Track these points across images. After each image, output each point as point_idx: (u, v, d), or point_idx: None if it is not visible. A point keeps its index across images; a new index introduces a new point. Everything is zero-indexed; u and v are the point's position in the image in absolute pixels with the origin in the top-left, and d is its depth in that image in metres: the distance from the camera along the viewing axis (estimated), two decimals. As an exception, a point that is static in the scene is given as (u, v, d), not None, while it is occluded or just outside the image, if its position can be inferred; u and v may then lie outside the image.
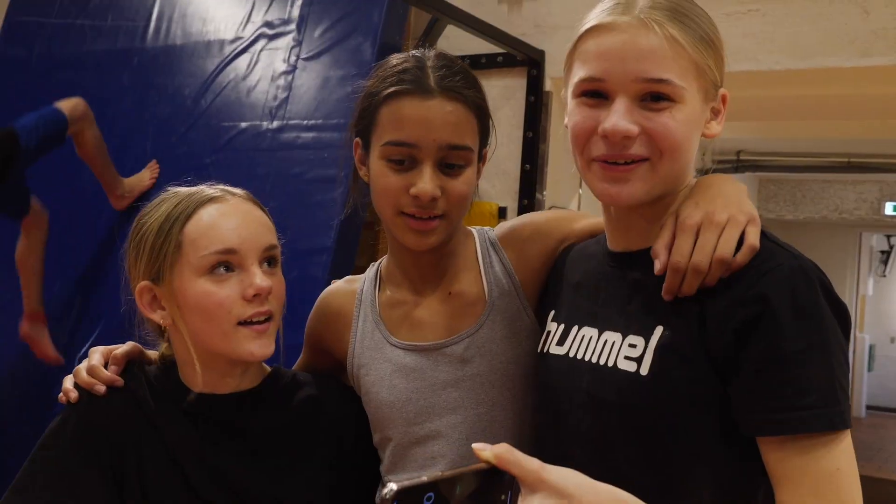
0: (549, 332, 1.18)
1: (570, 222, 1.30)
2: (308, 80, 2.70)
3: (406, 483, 0.74)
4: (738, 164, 6.58)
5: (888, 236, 11.70)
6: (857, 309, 9.10)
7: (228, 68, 2.86)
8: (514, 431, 1.25)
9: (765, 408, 0.92)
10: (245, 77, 2.81)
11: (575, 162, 1.08)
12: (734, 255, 0.97)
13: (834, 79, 3.04)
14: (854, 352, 9.17)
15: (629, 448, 0.97)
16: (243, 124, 2.75)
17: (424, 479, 0.75)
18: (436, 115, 1.17)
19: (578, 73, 1.02)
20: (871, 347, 11.51)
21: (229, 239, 1.18)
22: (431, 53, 1.24)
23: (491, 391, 1.24)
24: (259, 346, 1.18)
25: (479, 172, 1.28)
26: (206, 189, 1.24)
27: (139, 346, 1.30)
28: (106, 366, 1.25)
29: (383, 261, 1.37)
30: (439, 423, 1.24)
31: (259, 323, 1.18)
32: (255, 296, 1.17)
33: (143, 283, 1.21)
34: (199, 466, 1.21)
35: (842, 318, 0.96)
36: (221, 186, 1.26)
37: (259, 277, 1.17)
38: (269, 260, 1.22)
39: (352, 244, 2.49)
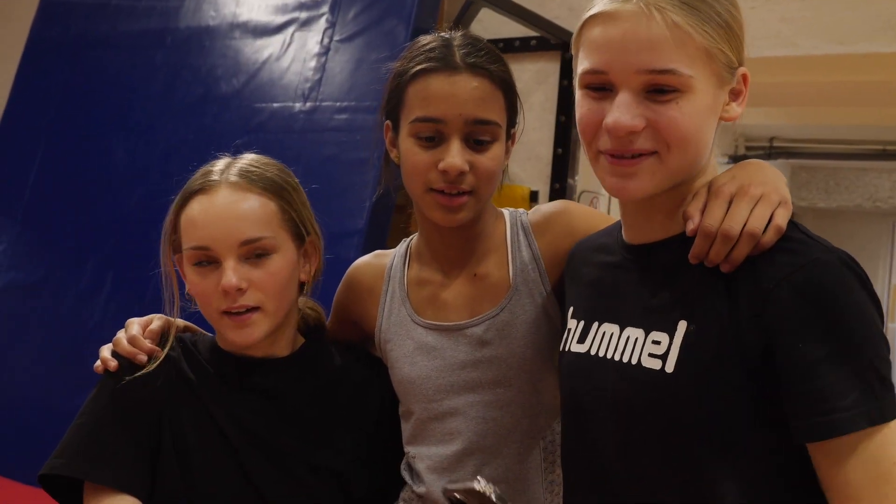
0: (569, 330, 1.17)
1: (600, 224, 1.28)
2: (341, 62, 2.70)
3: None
4: (770, 150, 6.50)
5: (922, 225, 11.56)
6: (889, 299, 8.99)
7: (261, 49, 2.87)
8: (530, 412, 1.27)
9: (810, 412, 0.89)
10: (278, 58, 2.81)
11: (587, 156, 1.06)
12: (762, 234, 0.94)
13: (873, 65, 3.00)
14: (885, 342, 9.06)
15: (655, 447, 0.95)
16: (276, 105, 2.76)
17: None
18: (462, 90, 1.19)
19: (583, 64, 0.99)
20: (903, 338, 11.41)
21: (202, 237, 1.21)
22: (458, 34, 1.26)
23: (508, 373, 1.26)
24: (239, 335, 1.22)
25: (507, 152, 1.29)
26: (213, 173, 1.26)
27: (169, 319, 1.34)
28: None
29: (414, 237, 1.39)
30: (457, 400, 1.27)
31: (238, 314, 1.21)
32: (225, 292, 1.20)
33: (176, 255, 1.28)
34: (238, 430, 1.25)
35: (879, 311, 0.93)
36: (235, 166, 1.28)
37: (227, 276, 1.19)
38: (255, 252, 1.22)
39: (383, 227, 2.50)
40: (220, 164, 1.29)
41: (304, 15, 2.82)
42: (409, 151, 1.22)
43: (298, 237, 1.28)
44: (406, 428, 1.34)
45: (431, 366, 1.28)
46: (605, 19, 0.96)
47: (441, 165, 1.19)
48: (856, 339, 0.89)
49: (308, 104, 2.70)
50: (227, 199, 1.22)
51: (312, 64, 2.74)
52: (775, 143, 6.49)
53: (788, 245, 0.94)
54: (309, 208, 1.32)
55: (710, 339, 0.94)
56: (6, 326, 3.02)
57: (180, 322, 1.35)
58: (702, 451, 0.95)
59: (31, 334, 2.96)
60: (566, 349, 1.16)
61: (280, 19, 2.86)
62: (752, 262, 0.94)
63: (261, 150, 2.70)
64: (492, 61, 1.22)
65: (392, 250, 1.43)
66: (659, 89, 0.95)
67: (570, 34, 3.45)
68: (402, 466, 1.35)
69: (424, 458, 1.29)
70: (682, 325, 0.97)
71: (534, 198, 3.20)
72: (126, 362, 1.25)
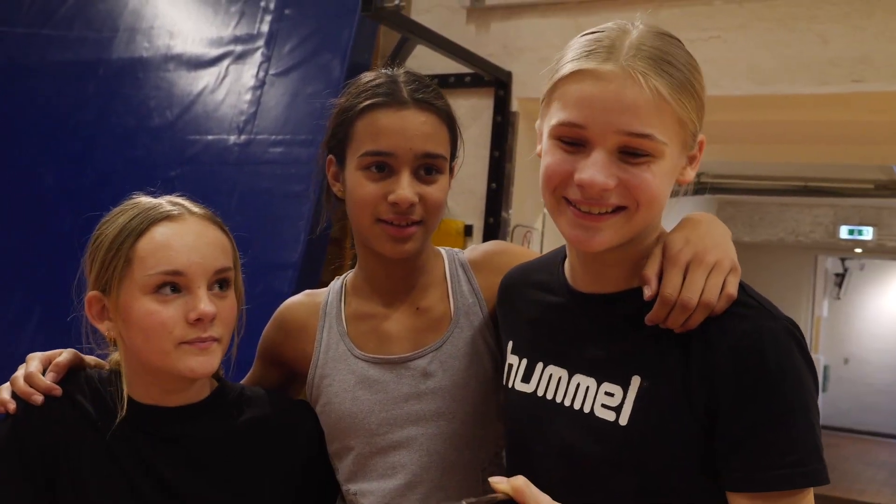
0: (510, 366, 1.18)
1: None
2: (277, 95, 2.71)
3: None
4: (698, 185, 6.65)
5: (843, 259, 11.93)
6: (812, 330, 9.24)
7: (195, 81, 2.86)
8: (472, 444, 1.27)
9: (749, 465, 0.93)
10: (213, 91, 2.81)
11: (544, 199, 1.06)
12: None
13: (792, 105, 3.10)
14: (809, 372, 9.31)
15: (603, 493, 0.98)
16: (210, 137, 2.75)
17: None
18: (411, 125, 1.22)
19: (558, 115, 0.99)
20: (826, 368, 11.70)
21: (177, 261, 1.16)
22: (401, 70, 1.29)
23: (452, 404, 1.26)
24: (199, 363, 1.17)
25: (448, 186, 1.31)
26: (165, 205, 1.22)
27: (79, 354, 1.27)
28: (44, 373, 1.22)
29: (349, 275, 1.39)
30: (401, 433, 1.27)
31: (202, 341, 1.17)
32: (197, 320, 1.16)
33: (93, 292, 1.21)
34: (144, 474, 1.19)
35: (815, 377, 0.99)
36: (183, 201, 1.24)
37: (204, 302, 1.15)
38: (220, 282, 1.20)
39: (318, 260, 2.50)
40: (153, 199, 1.24)
41: (239, 48, 2.83)
42: (358, 184, 1.23)
43: (236, 279, 1.26)
44: (343, 466, 1.31)
45: (374, 399, 1.28)
46: (587, 77, 0.97)
47: (391, 198, 1.21)
48: (794, 406, 0.94)
49: (243, 137, 2.70)
50: (199, 227, 1.20)
51: (248, 97, 2.74)
52: (702, 179, 6.67)
53: (737, 310, 0.98)
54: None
55: (664, 396, 0.98)
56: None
57: (91, 359, 1.29)
58: (653, 498, 0.98)
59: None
60: (510, 385, 1.16)
61: (215, 52, 2.86)
62: (704, 324, 0.98)
63: (195, 182, 2.69)
64: (437, 97, 1.26)
65: (324, 289, 1.41)
66: (633, 152, 0.97)
67: (503, 72, 3.51)
68: (343, 481, 1.33)
69: (367, 493, 1.28)
70: (635, 380, 1.00)
71: (468, 232, 3.22)
72: (23, 404, 1.19)
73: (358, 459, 1.29)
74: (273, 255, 2.40)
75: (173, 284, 1.16)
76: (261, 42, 2.78)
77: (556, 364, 1.09)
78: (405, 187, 1.21)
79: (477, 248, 1.39)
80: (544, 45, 3.11)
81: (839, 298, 12.36)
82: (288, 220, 2.46)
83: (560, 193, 1.01)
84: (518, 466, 1.14)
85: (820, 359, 11.04)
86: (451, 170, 1.31)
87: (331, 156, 1.30)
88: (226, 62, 2.83)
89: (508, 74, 3.25)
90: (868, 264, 12.25)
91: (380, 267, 1.31)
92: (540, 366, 1.12)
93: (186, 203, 1.23)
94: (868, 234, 7.88)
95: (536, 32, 3.22)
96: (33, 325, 2.83)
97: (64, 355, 1.24)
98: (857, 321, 12.50)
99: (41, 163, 2.99)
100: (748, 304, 0.99)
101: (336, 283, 1.39)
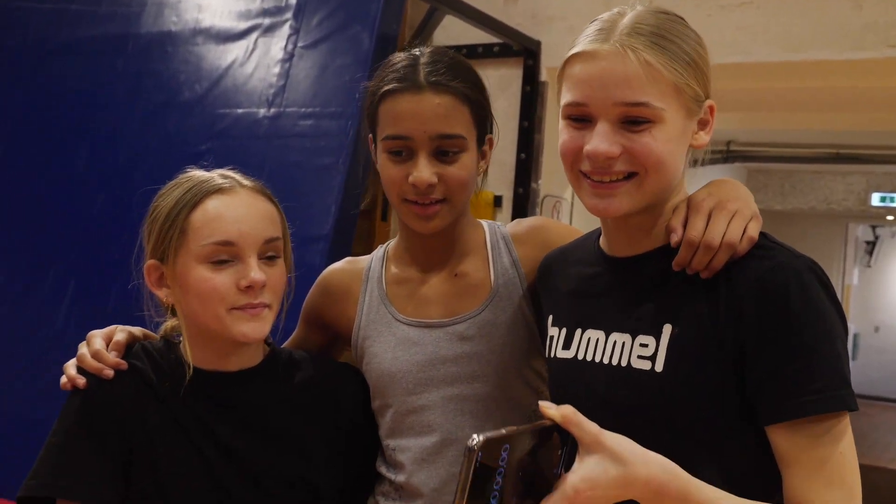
0: (552, 338, 1.23)
1: (570, 237, 1.35)
2: (306, 68, 2.69)
3: (490, 435, 0.83)
4: (727, 154, 6.60)
5: (874, 227, 11.79)
6: (842, 299, 9.18)
7: (224, 55, 2.85)
8: (504, 406, 1.32)
9: (779, 396, 0.99)
10: (242, 64, 2.80)
11: (567, 175, 1.14)
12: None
13: (825, 71, 3.06)
14: (839, 341, 9.25)
15: (648, 443, 0.99)
16: (239, 111, 2.75)
17: (503, 432, 0.85)
18: (425, 109, 1.27)
19: (565, 97, 1.09)
20: (856, 337, 11.61)
21: (229, 232, 1.23)
22: (427, 50, 1.33)
23: (486, 369, 1.32)
24: (252, 328, 1.24)
25: (485, 157, 1.37)
26: (217, 178, 1.28)
27: (132, 329, 1.33)
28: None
29: (391, 243, 1.46)
30: (436, 394, 1.32)
31: (253, 307, 1.23)
32: (248, 287, 1.22)
33: (151, 261, 1.28)
34: (209, 440, 1.25)
35: (840, 313, 1.03)
36: (234, 174, 1.30)
37: (254, 271, 1.22)
38: (269, 252, 1.26)
39: (349, 232, 2.50)
40: (206, 173, 1.30)
41: (267, 21, 2.81)
42: (384, 166, 1.31)
43: (285, 248, 1.32)
44: (383, 422, 1.38)
45: (413, 360, 1.34)
46: (586, 58, 1.06)
47: (410, 179, 1.27)
48: (818, 336, 0.99)
49: (272, 110, 2.69)
50: (250, 199, 1.27)
51: (276, 70, 2.73)
52: (732, 147, 6.60)
53: (759, 252, 1.04)
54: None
55: (694, 340, 1.04)
56: (-37, 335, 2.98)
57: (137, 330, 1.34)
58: (690, 444, 1.03)
59: (-9, 341, 2.92)
60: (552, 356, 1.22)
61: (243, 25, 2.85)
62: (727, 269, 1.04)
63: (225, 156, 2.69)
64: (455, 78, 1.29)
65: (366, 256, 1.48)
66: (633, 120, 1.04)
67: (532, 41, 3.50)
68: (379, 461, 1.39)
69: (405, 449, 1.34)
70: (667, 329, 1.06)
71: (497, 202, 3.22)
72: (93, 377, 1.25)
73: (396, 416, 1.35)
74: (304, 229, 2.38)
75: (225, 254, 1.23)
76: (289, 14, 2.76)
77: (593, 328, 1.16)
78: (422, 169, 1.27)
79: (520, 223, 1.44)
80: (573, 13, 3.08)
81: (870, 266, 12.23)
82: (318, 193, 2.46)
83: (576, 168, 1.09)
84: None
85: (850, 328, 10.93)
86: (488, 142, 1.36)
87: (370, 135, 1.36)
88: (254, 35, 2.81)
89: (537, 44, 3.23)
90: (899, 232, 12.10)
91: (416, 238, 1.37)
92: (579, 332, 1.18)
93: (237, 176, 1.30)
94: (900, 201, 7.78)
95: (565, 2, 3.19)
96: (67, 302, 2.85)
97: (120, 334, 1.30)
98: (888, 289, 12.38)
99: (73, 141, 2.99)
100: (769, 247, 1.05)
101: (379, 251, 1.46)
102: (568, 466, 0.93)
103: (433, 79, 1.28)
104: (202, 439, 1.25)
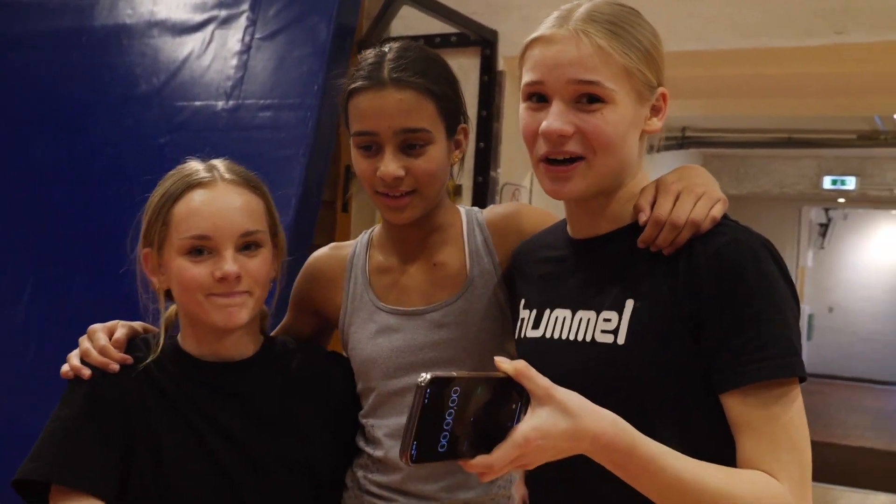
0: (522, 320, 1.28)
1: (544, 223, 1.38)
2: (263, 60, 2.69)
3: (438, 373, 0.86)
4: (683, 140, 6.68)
5: (826, 209, 12.01)
6: (797, 280, 9.33)
7: (181, 47, 2.83)
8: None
9: (730, 364, 1.04)
10: (199, 56, 2.78)
11: (530, 159, 1.19)
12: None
13: (776, 58, 3.12)
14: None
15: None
16: (198, 103, 2.73)
17: (454, 374, 0.88)
18: (388, 105, 1.31)
19: (525, 78, 1.15)
20: (811, 317, 11.84)
21: (204, 227, 1.27)
22: (395, 46, 1.37)
23: (462, 354, 1.37)
24: (229, 314, 1.28)
25: (459, 147, 1.41)
26: (201, 171, 1.32)
27: (132, 324, 1.38)
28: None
29: (375, 229, 1.50)
30: (414, 378, 1.34)
31: (228, 295, 1.27)
32: (222, 279, 1.26)
33: (146, 249, 1.33)
34: (210, 427, 1.30)
35: (791, 287, 1.08)
36: (220, 166, 1.34)
37: (228, 263, 1.26)
38: (247, 244, 1.29)
39: (310, 223, 2.51)
40: (199, 164, 1.34)
41: (223, 13, 2.80)
42: (356, 161, 1.36)
43: (274, 236, 1.36)
44: (366, 404, 1.44)
45: (392, 346, 1.39)
46: (544, 41, 1.13)
47: (378, 173, 1.32)
48: (770, 307, 1.04)
49: (231, 102, 2.68)
50: (227, 193, 1.30)
51: (234, 62, 2.72)
52: (687, 133, 6.68)
53: (717, 229, 1.10)
54: (277, 215, 1.39)
55: (655, 312, 1.09)
56: (-78, 333, 2.93)
57: (138, 325, 1.39)
58: (653, 414, 1.07)
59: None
60: (522, 336, 1.27)
61: (199, 17, 2.83)
62: (688, 244, 1.10)
63: (185, 149, 2.67)
64: (417, 73, 1.32)
65: (350, 241, 1.53)
66: (588, 99, 1.10)
67: (489, 30, 3.51)
68: (358, 437, 1.45)
69: (382, 426, 1.40)
70: (629, 303, 1.11)
71: (458, 191, 3.24)
72: (97, 369, 1.28)
73: (377, 398, 1.41)
74: (265, 220, 2.40)
75: (201, 247, 1.27)
76: (245, 6, 2.75)
77: (560, 307, 1.21)
78: (388, 163, 1.31)
79: (495, 209, 1.48)
80: (528, 2, 3.10)
81: (823, 248, 12.47)
82: (279, 184, 2.41)
83: (536, 154, 1.15)
84: None
85: (805, 308, 11.15)
86: (461, 132, 1.40)
87: (348, 129, 1.40)
88: (211, 27, 2.79)
89: (494, 33, 3.24)
90: (851, 214, 12.34)
91: (395, 227, 1.42)
92: (547, 312, 1.23)
93: (223, 168, 1.34)
94: (851, 183, 7.94)
95: (521, -9, 3.20)
96: (27, 295, 2.82)
97: (121, 329, 1.35)
98: (841, 270, 12.62)
99: (30, 134, 2.95)
100: (727, 224, 1.11)
101: (363, 237, 1.51)
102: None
103: (395, 75, 1.31)
104: (203, 426, 1.30)
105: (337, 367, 1.47)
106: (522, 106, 1.16)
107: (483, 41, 3.23)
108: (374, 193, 1.35)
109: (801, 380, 1.05)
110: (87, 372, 1.28)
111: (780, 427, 1.02)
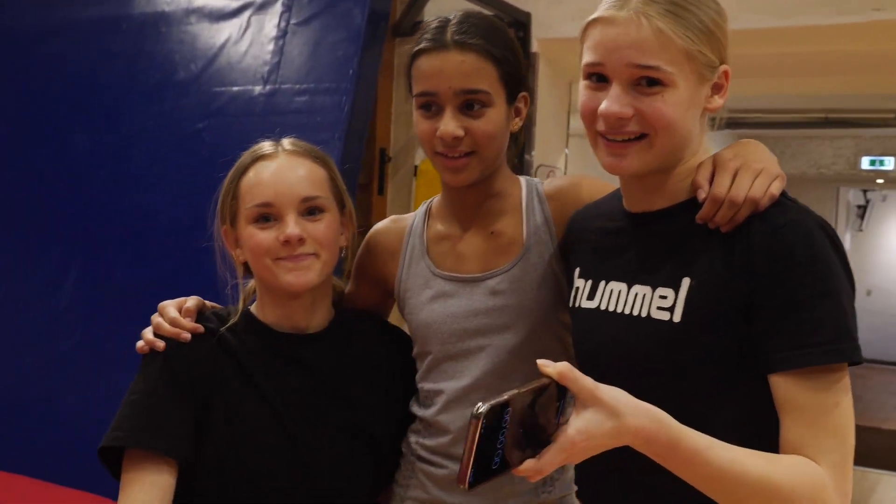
0: (577, 289, 1.30)
1: (601, 192, 1.40)
2: (299, 45, 2.71)
3: (493, 402, 0.87)
4: (716, 121, 6.60)
5: (864, 191, 11.83)
6: (834, 263, 9.25)
7: (218, 34, 2.86)
8: (531, 357, 1.40)
9: (782, 346, 1.04)
10: (236, 42, 2.82)
11: (587, 134, 1.19)
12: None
13: (812, 36, 3.09)
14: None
15: (667, 392, 1.05)
16: (235, 89, 2.77)
17: (505, 397, 0.88)
18: (449, 66, 1.34)
19: (585, 58, 1.15)
20: (848, 300, 11.69)
21: (266, 194, 1.35)
22: (460, 13, 1.40)
23: (516, 321, 1.40)
24: (296, 276, 1.35)
25: (520, 114, 1.43)
26: (265, 146, 1.42)
27: (200, 299, 1.44)
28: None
29: (434, 199, 1.55)
30: (469, 343, 1.42)
31: (295, 257, 1.34)
32: (286, 242, 1.33)
33: (224, 226, 1.42)
34: (279, 394, 1.36)
35: (848, 270, 1.08)
36: (285, 140, 1.43)
37: (290, 227, 1.33)
38: (310, 210, 1.36)
39: (346, 206, 2.53)
40: (266, 141, 1.43)
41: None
42: (417, 121, 1.40)
43: (340, 204, 1.43)
44: (421, 367, 1.48)
45: (447, 312, 1.43)
46: (604, 23, 1.12)
47: (437, 133, 1.35)
48: (824, 289, 1.04)
49: (267, 87, 2.71)
50: (287, 163, 1.38)
51: (270, 47, 2.75)
52: (721, 114, 6.60)
53: (776, 209, 1.09)
54: (345, 185, 1.45)
55: (710, 291, 1.09)
56: (-27, 314, 3.01)
57: (209, 303, 1.46)
58: (702, 393, 1.09)
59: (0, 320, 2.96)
60: (577, 305, 1.29)
61: (236, 3, 2.86)
62: (747, 222, 1.09)
63: (221, 135, 2.71)
64: (479, 36, 1.35)
65: (410, 214, 1.58)
66: (648, 82, 1.10)
67: (522, 13, 3.51)
68: (412, 402, 1.50)
69: (437, 391, 1.45)
70: (685, 281, 1.12)
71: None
72: (171, 341, 1.35)
73: (432, 362, 1.46)
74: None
75: (266, 215, 1.35)
76: (281, -8, 2.78)
77: (616, 280, 1.22)
78: (447, 123, 1.34)
79: (555, 180, 1.51)
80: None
81: (861, 230, 12.29)
82: (315, 168, 2.48)
83: (594, 128, 1.16)
84: (584, 369, 1.24)
85: (843, 291, 11.02)
86: (523, 101, 1.42)
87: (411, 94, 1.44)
88: (247, 13, 2.82)
89: (527, 15, 3.25)
90: (890, 195, 12.15)
91: (455, 193, 1.46)
92: (602, 283, 1.24)
93: (287, 142, 1.43)
94: (890, 164, 7.82)
95: (554, -28, 3.20)
96: (71, 281, 2.89)
97: (191, 301, 1.41)
98: (880, 253, 12.44)
99: (71, 124, 3.00)
100: (785, 203, 1.11)
101: (422, 208, 1.55)
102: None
103: (458, 38, 1.34)
104: (273, 393, 1.36)
105: (397, 340, 1.53)
106: (582, 83, 1.17)
107: (516, 23, 3.24)
108: (433, 154, 1.39)
109: (854, 363, 1.05)
110: (160, 344, 1.34)
111: (825, 412, 1.03)
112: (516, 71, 1.40)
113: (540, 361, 0.95)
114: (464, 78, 1.34)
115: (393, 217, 1.59)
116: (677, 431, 0.97)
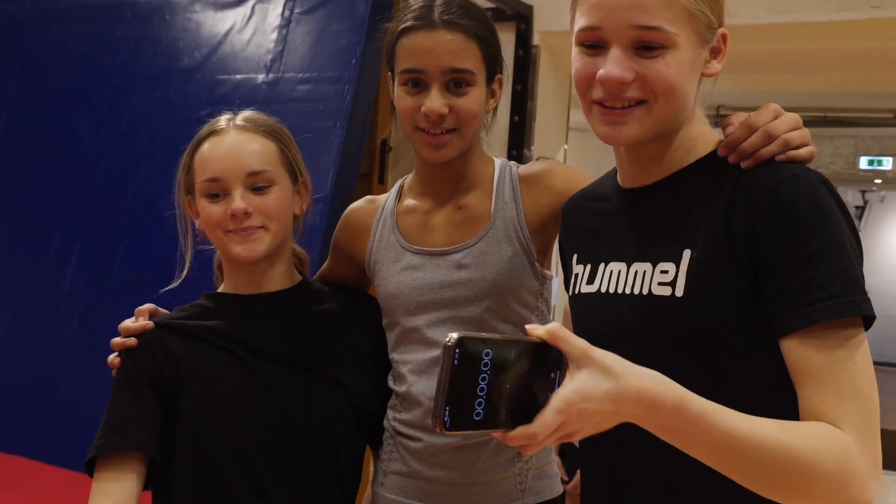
0: (576, 275, 1.25)
1: (580, 183, 1.40)
2: (302, 34, 2.74)
3: (466, 334, 0.81)
4: (718, 118, 6.62)
5: (863, 192, 11.86)
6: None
7: (222, 22, 2.89)
8: (497, 327, 1.43)
9: (791, 306, 0.98)
10: (239, 31, 2.84)
11: (581, 104, 1.14)
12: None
13: (811, 33, 3.11)
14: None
15: (676, 369, 0.96)
16: (238, 77, 2.79)
17: (483, 335, 0.82)
18: (438, 44, 1.37)
19: (579, 23, 1.08)
20: (845, 300, 11.72)
21: (214, 170, 1.39)
22: None
23: (479, 294, 1.42)
24: (244, 248, 1.39)
25: (494, 95, 1.46)
26: (221, 121, 1.45)
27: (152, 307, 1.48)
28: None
29: (408, 177, 1.57)
30: (435, 315, 1.45)
31: (243, 231, 1.38)
32: (233, 215, 1.37)
33: (187, 196, 1.46)
34: (247, 349, 1.41)
35: (851, 224, 1.03)
36: (240, 115, 1.45)
37: (236, 202, 1.37)
38: (257, 184, 1.39)
39: (347, 194, 2.56)
40: (224, 115, 1.46)
41: (264, -13, 2.85)
42: (399, 97, 1.42)
43: (293, 176, 1.46)
44: (390, 338, 1.51)
45: (413, 284, 1.46)
46: None
47: (423, 109, 1.37)
48: (829, 244, 0.98)
49: (271, 76, 2.74)
50: (235, 138, 1.41)
51: (274, 36, 2.78)
52: (722, 112, 6.62)
53: (774, 166, 1.05)
54: (300, 157, 1.48)
55: (713, 260, 1.04)
56: (-25, 299, 3.04)
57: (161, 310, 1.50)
58: (713, 367, 1.03)
59: (2, 305, 3.00)
60: (577, 292, 1.24)
61: (240, -8, 2.88)
62: (745, 183, 1.04)
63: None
64: (465, 17, 1.39)
65: (384, 194, 1.61)
66: (647, 46, 1.04)
67: (524, 5, 3.52)
68: (389, 377, 1.52)
69: (406, 361, 1.47)
70: (686, 254, 1.06)
71: (491, 165, 3.26)
72: (124, 352, 1.41)
73: (401, 333, 1.48)
74: (304, 190, 2.45)
75: (215, 188, 1.39)
76: (285, -19, 2.80)
77: (615, 260, 1.17)
78: (434, 100, 1.37)
79: (530, 165, 1.52)
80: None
81: (860, 231, 12.30)
82: (317, 156, 2.50)
83: (589, 97, 1.09)
84: None
85: (839, 291, 11.06)
86: (497, 81, 1.45)
87: (389, 72, 1.47)
88: (251, 2, 2.84)
89: (529, 8, 3.26)
90: (888, 196, 12.17)
91: (430, 169, 1.48)
92: (602, 266, 1.19)
93: (240, 117, 1.45)
94: (888, 164, 7.84)
95: (556, -34, 3.22)
96: (73, 264, 2.92)
97: (143, 308, 1.45)
98: (878, 254, 12.47)
99: (76, 108, 3.04)
100: (785, 162, 1.06)
101: (396, 185, 1.57)
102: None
103: (446, 17, 1.37)
104: (241, 350, 1.40)
105: (369, 301, 1.56)
106: (575, 50, 1.10)
107: (518, 16, 3.26)
108: (413, 129, 1.41)
109: (868, 321, 0.98)
110: (116, 360, 1.41)
111: (844, 373, 0.95)
112: (496, 53, 1.43)
113: (528, 326, 0.87)
114: (452, 56, 1.36)
115: (368, 197, 1.63)
116: (683, 393, 0.88)
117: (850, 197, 11.83)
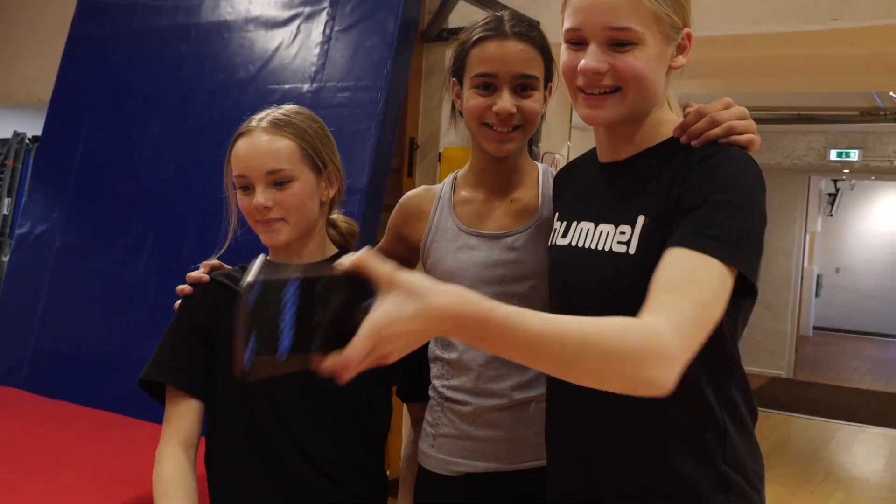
0: (555, 230, 1.33)
1: None
2: (341, 49, 2.79)
3: (267, 277, 0.74)
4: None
5: (835, 181, 11.80)
6: (806, 244, 9.22)
7: (272, 39, 2.95)
8: (536, 306, 1.42)
9: (683, 231, 1.02)
10: (287, 47, 2.90)
11: (568, 91, 1.22)
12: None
13: (780, 42, 3.14)
14: (803, 280, 9.34)
15: (626, 314, 0.94)
16: (286, 86, 2.84)
17: (282, 276, 0.74)
18: (510, 52, 1.40)
19: (565, 24, 1.16)
20: (819, 277, 11.68)
21: (241, 168, 1.40)
22: (507, 12, 1.47)
23: (528, 273, 1.45)
24: (267, 237, 1.42)
25: (545, 100, 1.47)
26: (253, 120, 1.43)
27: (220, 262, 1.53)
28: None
29: (459, 172, 1.58)
30: (488, 290, 1.42)
31: (266, 222, 1.40)
32: (256, 210, 1.38)
33: (231, 185, 1.47)
34: None
35: (762, 202, 1.07)
36: (269, 115, 1.43)
37: (257, 197, 1.37)
38: (277, 181, 1.38)
39: (381, 186, 2.62)
40: (260, 113, 1.45)
41: (307, 9, 2.91)
42: (471, 98, 1.43)
43: (316, 168, 1.42)
44: None
45: (470, 261, 1.48)
46: None
47: (495, 109, 1.40)
48: (734, 200, 1.03)
49: (314, 85, 2.79)
50: (259, 139, 1.39)
51: (317, 51, 2.83)
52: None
53: (714, 146, 1.11)
54: (330, 147, 1.47)
55: (660, 223, 1.10)
56: (62, 281, 3.13)
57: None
58: None
59: (84, 288, 3.08)
60: (553, 244, 1.31)
61: (287, 13, 2.95)
62: (688, 163, 1.10)
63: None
64: (532, 30, 1.43)
65: (438, 184, 1.62)
66: (619, 42, 1.12)
67: (535, 22, 3.53)
68: (433, 346, 1.52)
69: None
70: (640, 219, 1.14)
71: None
72: (197, 290, 1.47)
73: None
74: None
75: (244, 183, 1.40)
76: (326, 3, 2.85)
77: (586, 220, 1.24)
78: (505, 101, 1.39)
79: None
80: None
81: (831, 215, 12.25)
82: (354, 154, 2.56)
83: (574, 85, 1.18)
84: (557, 304, 1.29)
85: (814, 269, 11.02)
86: (549, 88, 1.47)
87: (454, 79, 1.49)
88: (297, 22, 2.91)
89: (537, 23, 3.31)
90: (857, 185, 12.10)
91: (488, 163, 1.50)
92: (575, 223, 1.26)
93: (269, 116, 1.42)
94: (854, 156, 7.80)
95: (558, -14, 3.26)
96: (146, 252, 2.98)
97: (210, 261, 1.50)
98: (848, 235, 12.42)
99: (148, 117, 3.11)
100: (724, 145, 1.11)
101: (450, 178, 1.59)
102: None
103: (517, 30, 1.40)
104: None
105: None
106: (564, 47, 1.18)
107: (526, 31, 3.30)
108: (479, 126, 1.42)
109: (750, 291, 1.01)
110: (188, 289, 1.46)
111: (695, 287, 0.96)
112: (552, 63, 1.46)
113: (336, 263, 0.80)
114: (522, 63, 1.39)
115: (424, 186, 1.64)
116: (488, 305, 0.83)
117: (824, 186, 11.76)
